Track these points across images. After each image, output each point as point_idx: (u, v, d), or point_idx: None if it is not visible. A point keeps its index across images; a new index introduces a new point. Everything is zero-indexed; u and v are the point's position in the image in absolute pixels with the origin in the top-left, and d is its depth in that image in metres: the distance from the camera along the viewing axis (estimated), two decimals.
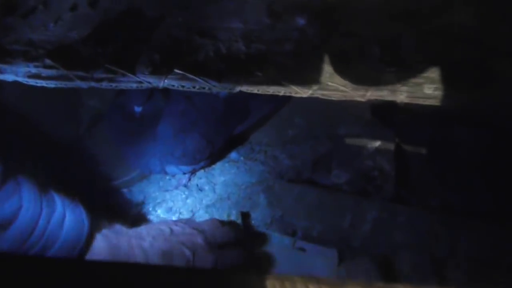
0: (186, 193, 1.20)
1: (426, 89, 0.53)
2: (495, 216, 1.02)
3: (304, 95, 0.55)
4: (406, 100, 0.55)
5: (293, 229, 1.10)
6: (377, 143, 1.19)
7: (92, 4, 0.64)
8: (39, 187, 0.78)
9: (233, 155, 1.29)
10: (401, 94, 0.54)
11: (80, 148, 1.19)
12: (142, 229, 0.90)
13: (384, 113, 1.19)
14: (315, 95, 0.56)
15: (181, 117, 1.09)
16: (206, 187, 1.22)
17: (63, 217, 0.77)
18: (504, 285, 0.94)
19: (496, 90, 0.49)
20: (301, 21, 0.60)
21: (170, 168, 1.15)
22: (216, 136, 1.16)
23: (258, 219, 1.13)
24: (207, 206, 1.17)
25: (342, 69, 0.56)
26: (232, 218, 1.11)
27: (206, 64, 0.57)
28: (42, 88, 0.60)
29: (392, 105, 1.19)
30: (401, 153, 1.17)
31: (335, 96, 0.56)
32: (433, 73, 0.51)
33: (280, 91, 0.56)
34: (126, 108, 1.06)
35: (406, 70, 0.54)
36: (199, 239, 0.91)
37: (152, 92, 1.02)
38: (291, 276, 0.37)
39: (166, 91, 0.97)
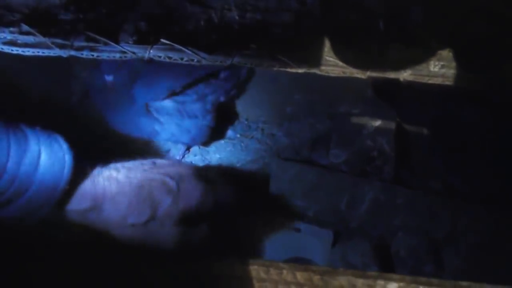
0: None
1: (433, 66, 0.49)
2: (497, 200, 0.99)
3: (301, 71, 0.51)
4: (410, 78, 0.51)
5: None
6: (378, 123, 1.15)
7: None
8: (5, 122, 0.65)
9: (229, 132, 1.26)
10: (405, 72, 0.50)
11: (72, 118, 1.14)
12: (120, 163, 0.78)
13: (386, 91, 1.15)
14: (312, 71, 0.51)
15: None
16: (201, 165, 1.19)
17: (38, 155, 0.64)
18: (502, 271, 0.92)
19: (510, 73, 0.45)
20: None
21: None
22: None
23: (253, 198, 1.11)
24: None
25: (343, 43, 0.52)
26: None
27: (196, 34, 0.53)
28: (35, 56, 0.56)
29: (394, 83, 1.14)
30: (402, 133, 1.13)
31: (334, 72, 0.52)
32: (442, 49, 0.47)
33: (275, 65, 0.52)
34: (96, 78, 1.00)
35: (412, 46, 0.50)
36: (185, 170, 0.82)
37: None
38: (277, 263, 0.34)
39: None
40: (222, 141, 1.23)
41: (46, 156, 0.65)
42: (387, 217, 1.01)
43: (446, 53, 0.48)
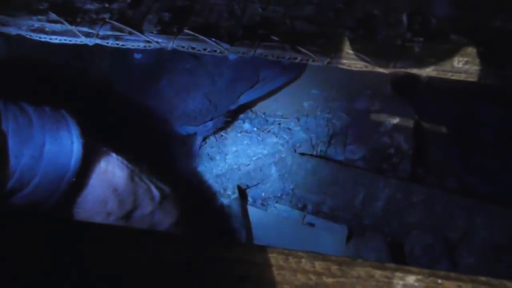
0: (197, 161, 1.18)
1: (457, 62, 0.48)
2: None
3: (322, 64, 0.51)
4: (433, 74, 0.50)
5: (304, 203, 1.07)
6: (396, 120, 1.14)
7: None
8: (5, 105, 0.58)
9: (246, 125, 1.26)
10: (427, 67, 0.50)
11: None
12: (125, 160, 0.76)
13: (405, 88, 1.14)
14: (334, 64, 0.51)
15: (187, 75, 1.05)
16: (217, 157, 1.20)
17: (42, 144, 0.58)
18: None
19: None
20: None
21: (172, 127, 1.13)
22: (220, 100, 1.13)
23: (268, 191, 1.11)
24: (217, 176, 1.15)
25: (365, 37, 0.52)
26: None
27: (219, 25, 0.53)
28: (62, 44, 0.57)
29: (414, 79, 1.14)
30: (420, 131, 1.12)
31: (355, 66, 0.52)
32: (466, 45, 0.47)
33: (297, 57, 0.52)
34: (126, 55, 1.02)
35: (435, 41, 0.50)
36: (169, 189, 0.83)
37: None
38: (295, 251, 0.34)
39: None
40: (239, 134, 1.24)
41: (50, 145, 0.59)
42: (402, 215, 1.01)
43: (470, 49, 0.47)
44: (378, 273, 0.35)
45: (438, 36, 0.49)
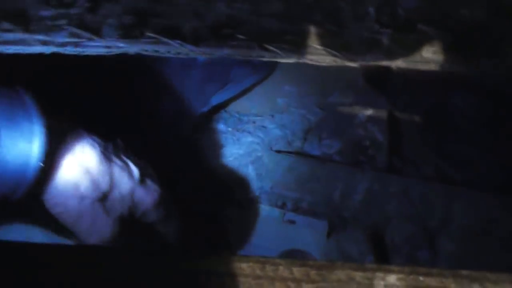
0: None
1: (425, 52, 0.48)
2: (490, 185, 0.99)
3: (291, 61, 0.50)
4: (403, 65, 0.50)
5: (283, 201, 1.06)
6: (369, 112, 1.14)
7: None
8: None
9: (221, 126, 1.24)
10: (397, 59, 0.49)
11: None
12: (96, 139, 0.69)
13: (378, 80, 1.14)
14: (302, 60, 0.50)
15: (154, 78, 1.03)
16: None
17: None
18: (495, 256, 0.93)
19: (507, 60, 0.44)
20: None
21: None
22: (191, 103, 1.11)
23: (246, 191, 1.10)
24: None
25: (332, 31, 0.50)
26: None
27: (183, 26, 0.51)
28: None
29: (386, 71, 1.14)
30: (395, 122, 1.12)
31: (324, 61, 0.51)
32: (435, 35, 0.46)
33: (264, 56, 0.50)
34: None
35: (403, 32, 0.49)
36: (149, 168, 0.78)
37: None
38: (272, 259, 0.33)
39: None
40: (213, 135, 1.22)
41: (6, 130, 0.52)
42: (381, 206, 1.01)
43: (438, 39, 0.47)
44: (358, 275, 0.34)
45: (406, 27, 0.48)
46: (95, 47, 0.52)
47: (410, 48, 0.48)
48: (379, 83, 1.14)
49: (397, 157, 1.10)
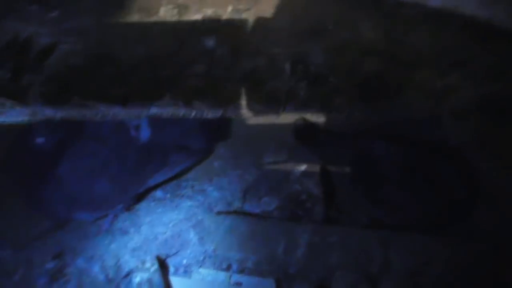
0: (109, 238, 1.11)
1: (337, 101, 0.53)
2: (421, 226, 1.05)
3: (216, 116, 0.53)
4: (319, 113, 0.54)
5: (228, 263, 1.05)
6: (303, 167, 1.19)
7: None
8: None
9: (158, 193, 1.23)
10: (313, 107, 0.54)
11: None
12: None
13: (307, 136, 1.21)
14: (227, 115, 0.53)
15: (92, 157, 1.02)
16: (131, 229, 1.14)
17: None
18: None
19: (404, 101, 0.50)
20: (209, 43, 0.58)
21: (76, 215, 1.07)
22: (129, 183, 1.10)
23: (190, 257, 1.07)
24: (133, 250, 1.09)
25: (254, 87, 0.55)
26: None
27: (109, 89, 0.53)
28: None
29: (313, 128, 1.21)
30: (327, 174, 1.18)
31: (247, 115, 0.55)
32: (342, 84, 0.51)
33: (191, 113, 0.53)
34: (27, 141, 0.97)
35: (316, 84, 0.54)
36: None
37: (58, 123, 0.95)
38: None
39: (73, 124, 0.91)
40: (152, 203, 1.20)
41: None
42: (324, 258, 1.02)
43: (346, 88, 0.52)
44: None
45: (318, 80, 0.53)
46: (20, 115, 0.52)
47: (323, 97, 0.53)
48: (309, 139, 1.20)
49: (333, 208, 1.13)
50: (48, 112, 0.52)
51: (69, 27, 0.57)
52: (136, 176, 1.13)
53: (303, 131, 1.21)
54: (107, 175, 1.08)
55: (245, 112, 0.53)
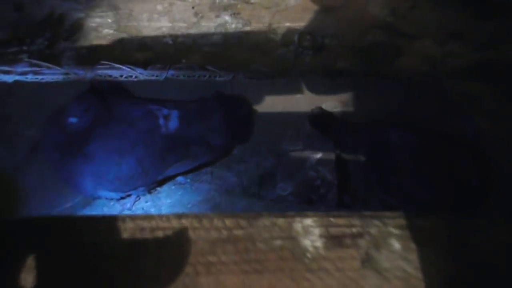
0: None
1: (339, 64, 0.57)
2: (430, 210, 1.07)
3: (228, 78, 0.58)
4: (323, 73, 0.59)
5: None
6: (319, 155, 1.22)
7: (18, 9, 0.65)
8: None
9: (179, 178, 1.28)
10: (316, 71, 0.59)
11: (18, 177, 1.14)
12: None
13: (323, 125, 1.24)
14: (238, 79, 0.58)
15: (121, 137, 1.08)
16: (152, 210, 1.20)
17: None
18: None
19: (403, 64, 0.54)
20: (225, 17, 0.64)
21: (102, 192, 1.13)
22: (152, 167, 1.15)
23: None
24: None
25: (264, 55, 0.59)
26: None
27: (133, 55, 0.59)
28: None
29: (329, 117, 1.25)
30: (341, 162, 1.21)
31: (258, 74, 0.59)
32: (345, 52, 0.56)
33: (205, 75, 0.58)
34: (61, 120, 1.04)
35: (321, 51, 0.59)
36: None
37: (91, 104, 1.02)
38: (207, 214, 0.38)
39: (107, 107, 0.97)
40: (173, 187, 1.25)
41: None
42: None
43: (351, 55, 0.56)
44: (280, 220, 0.39)
45: (323, 48, 0.58)
46: (54, 74, 0.59)
47: (327, 63, 0.57)
48: (325, 128, 1.24)
49: (346, 194, 1.16)
50: (79, 73, 0.58)
51: (101, 3, 0.64)
52: (159, 162, 1.18)
53: (320, 119, 1.25)
54: (133, 157, 1.14)
55: (254, 73, 0.58)
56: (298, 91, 1.07)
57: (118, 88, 0.99)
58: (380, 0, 0.64)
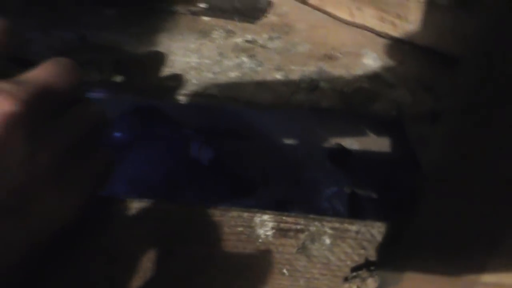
0: None
1: (324, 103, 0.70)
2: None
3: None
4: (310, 109, 0.71)
5: None
6: (335, 189, 1.33)
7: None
8: None
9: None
10: (305, 105, 0.72)
11: None
12: None
13: (341, 161, 1.35)
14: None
15: (153, 156, 1.24)
16: None
17: None
18: None
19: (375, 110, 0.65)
20: None
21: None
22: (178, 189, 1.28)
23: None
24: None
25: (270, 88, 0.73)
26: None
27: (164, 82, 0.76)
28: None
29: (347, 153, 1.36)
30: (355, 196, 1.30)
31: (260, 107, 0.73)
32: (334, 94, 0.68)
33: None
34: (108, 133, 1.21)
35: (314, 92, 0.72)
36: None
37: (134, 123, 1.19)
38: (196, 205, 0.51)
39: (147, 127, 1.15)
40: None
41: None
42: None
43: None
44: (245, 214, 0.51)
45: (316, 90, 0.71)
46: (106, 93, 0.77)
47: (315, 100, 0.70)
48: (342, 163, 1.35)
49: None
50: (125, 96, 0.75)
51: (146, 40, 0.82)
52: (184, 186, 1.32)
53: (338, 155, 1.36)
54: (160, 174, 1.29)
55: (258, 106, 0.72)
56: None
57: (157, 112, 1.17)
58: (376, 54, 0.76)
